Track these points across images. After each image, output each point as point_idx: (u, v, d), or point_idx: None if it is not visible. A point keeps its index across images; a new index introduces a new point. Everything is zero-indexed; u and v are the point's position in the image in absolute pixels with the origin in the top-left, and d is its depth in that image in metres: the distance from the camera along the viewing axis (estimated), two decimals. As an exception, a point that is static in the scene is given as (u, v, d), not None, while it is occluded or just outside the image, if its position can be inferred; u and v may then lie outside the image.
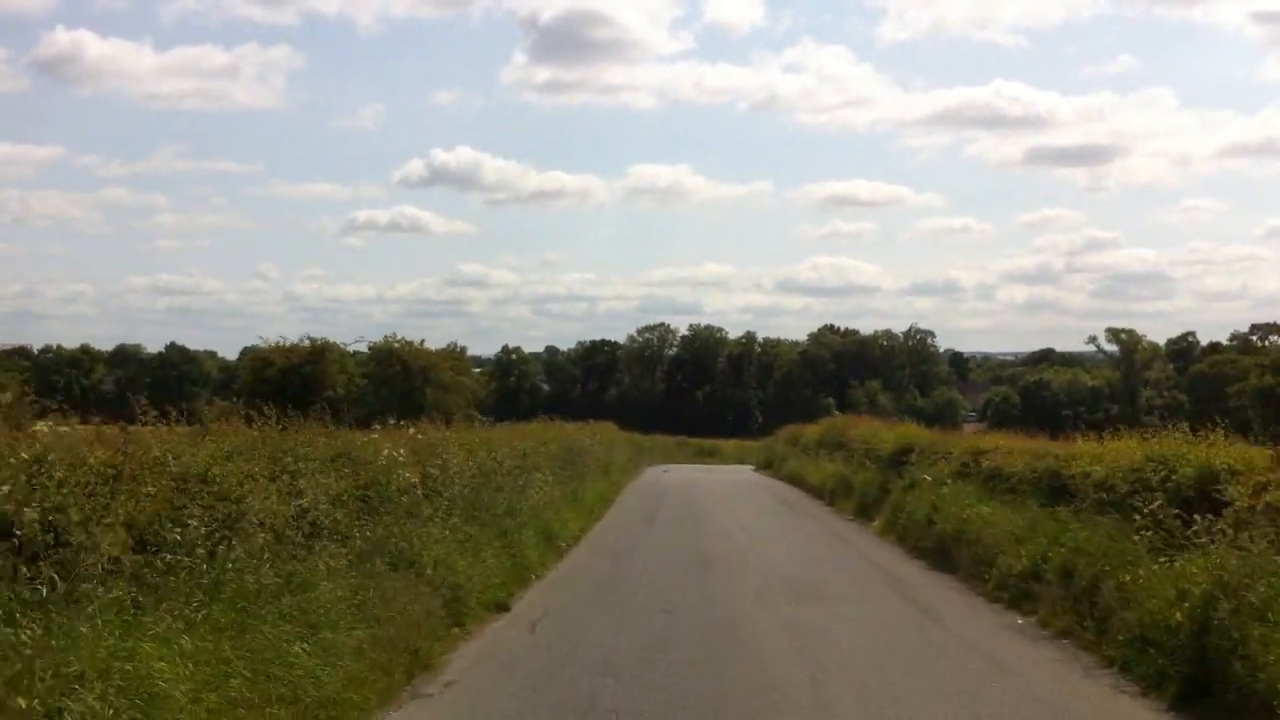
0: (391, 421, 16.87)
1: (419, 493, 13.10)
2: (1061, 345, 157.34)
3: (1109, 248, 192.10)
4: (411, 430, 15.01)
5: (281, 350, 47.63)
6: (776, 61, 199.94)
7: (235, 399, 38.77)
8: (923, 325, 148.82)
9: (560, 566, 17.24)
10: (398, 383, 47.96)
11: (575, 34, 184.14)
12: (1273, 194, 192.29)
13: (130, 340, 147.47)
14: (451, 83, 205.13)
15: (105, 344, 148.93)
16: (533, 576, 15.85)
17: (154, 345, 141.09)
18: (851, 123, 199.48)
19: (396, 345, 47.56)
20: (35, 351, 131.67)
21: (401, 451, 12.92)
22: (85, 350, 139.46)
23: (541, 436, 24.76)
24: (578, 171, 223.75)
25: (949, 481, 19.42)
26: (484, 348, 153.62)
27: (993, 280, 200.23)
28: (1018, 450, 17.86)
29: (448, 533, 12.91)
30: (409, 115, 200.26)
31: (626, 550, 19.19)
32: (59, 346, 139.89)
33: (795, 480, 35.09)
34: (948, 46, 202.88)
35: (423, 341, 47.85)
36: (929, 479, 21.05)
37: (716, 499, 30.03)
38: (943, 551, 17.71)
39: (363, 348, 47.86)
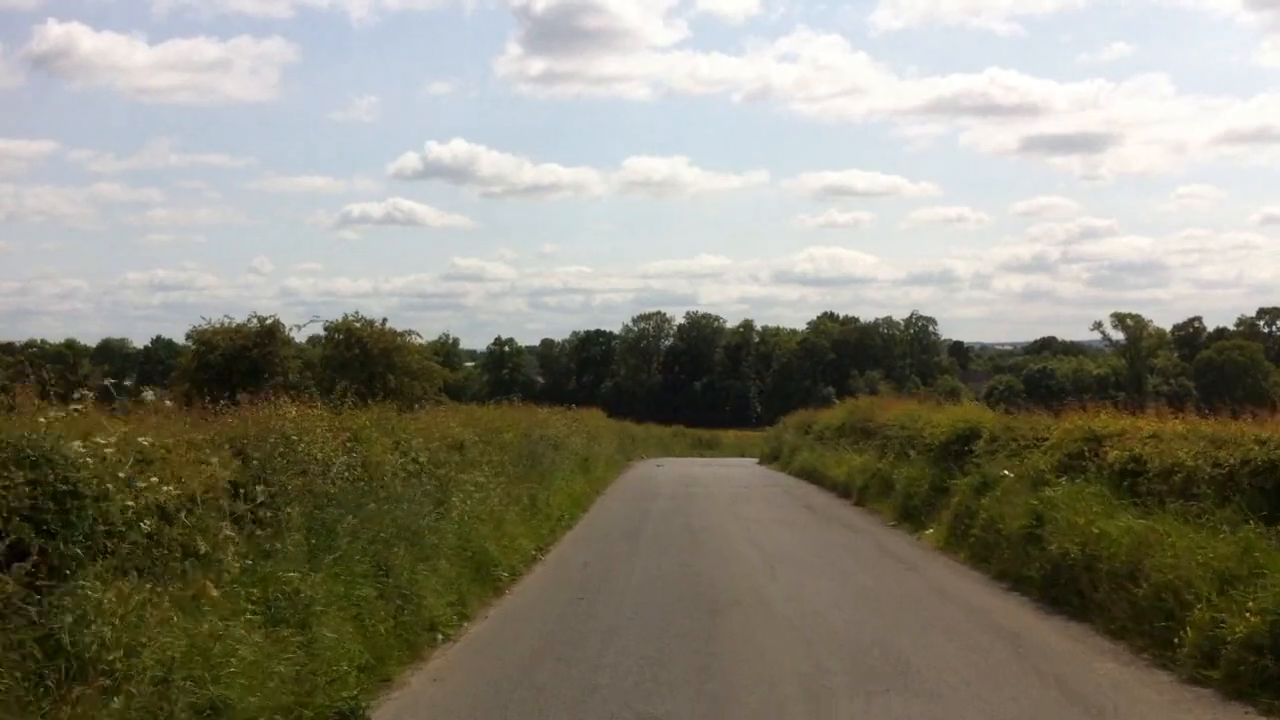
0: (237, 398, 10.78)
1: (191, 517, 6.95)
2: (1058, 334, 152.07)
3: (1104, 236, 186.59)
4: (168, 402, 8.76)
5: (226, 331, 40.56)
6: (771, 51, 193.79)
7: (180, 384, 32.72)
8: (923, 313, 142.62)
9: (489, 617, 11.09)
10: (356, 367, 41.29)
11: (568, 24, 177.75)
12: (1268, 181, 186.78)
13: (126, 336, 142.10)
14: (446, 74, 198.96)
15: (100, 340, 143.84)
16: (437, 639, 9.74)
17: (147, 341, 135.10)
18: (847, 112, 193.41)
19: (356, 325, 40.99)
20: (19, 346, 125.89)
21: (145, 441, 6.75)
22: (70, 345, 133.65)
23: (495, 423, 18.61)
24: (573, 164, 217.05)
25: (1056, 480, 13.28)
26: (480, 341, 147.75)
27: (989, 270, 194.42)
28: (1172, 434, 11.75)
29: (213, 595, 6.72)
30: (403, 107, 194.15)
31: (594, 584, 13.04)
32: (43, 341, 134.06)
33: (811, 475, 28.95)
34: (942, 34, 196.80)
35: (385, 321, 41.18)
36: (1010, 474, 14.99)
37: (719, 501, 23.91)
38: (1060, 583, 11.62)
39: (318, 328, 41.14)
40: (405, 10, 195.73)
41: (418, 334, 43.27)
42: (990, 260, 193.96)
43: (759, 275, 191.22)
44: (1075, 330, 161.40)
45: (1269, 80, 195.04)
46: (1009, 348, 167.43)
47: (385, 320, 42.63)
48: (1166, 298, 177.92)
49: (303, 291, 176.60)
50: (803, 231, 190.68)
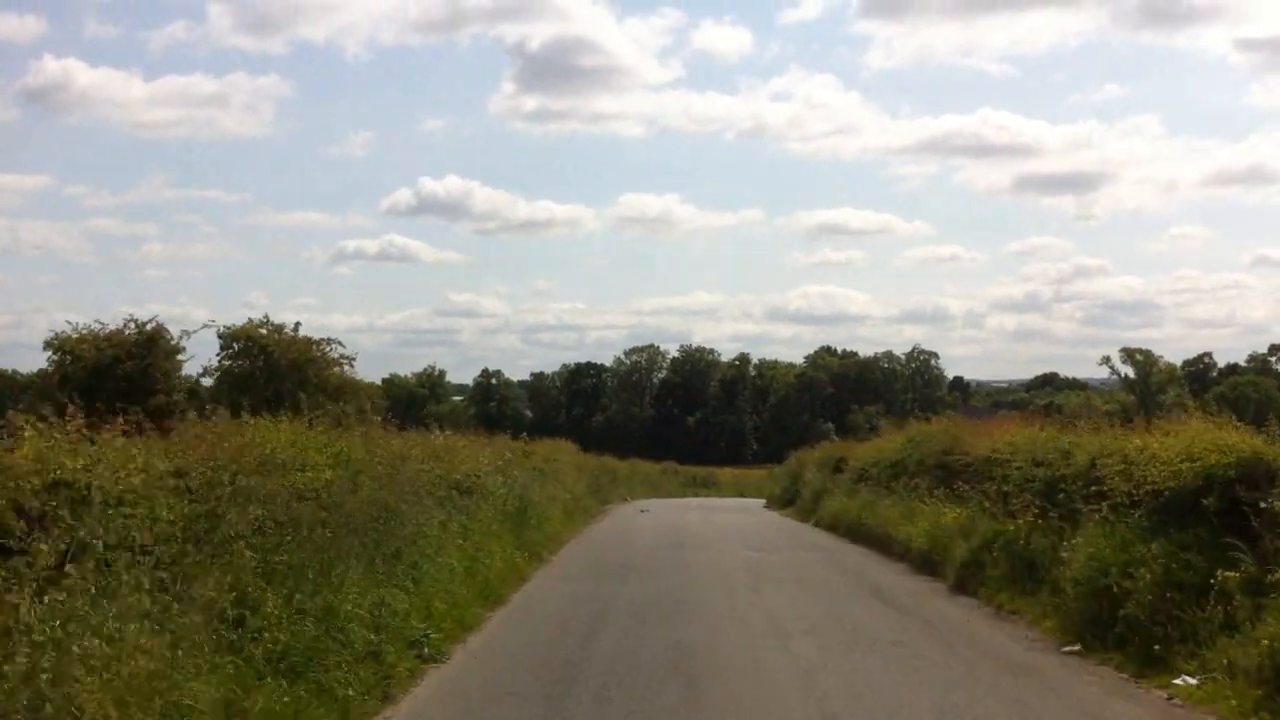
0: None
1: None
2: (1052, 373, 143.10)
3: (1097, 275, 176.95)
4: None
5: (93, 340, 29.64)
6: (764, 90, 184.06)
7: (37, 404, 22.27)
8: (925, 348, 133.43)
9: None
10: (260, 383, 30.79)
11: (563, 62, 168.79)
12: (1259, 221, 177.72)
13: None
14: (440, 111, 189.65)
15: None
16: None
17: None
18: (840, 150, 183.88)
19: (260, 332, 30.77)
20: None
21: None
22: (41, 375, 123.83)
23: (293, 453, 8.91)
24: (567, 200, 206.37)
25: None
26: (473, 376, 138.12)
27: (982, 308, 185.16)
28: None
29: None
30: (398, 143, 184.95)
31: None
32: (14, 371, 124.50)
33: (856, 532, 19.37)
34: (934, 74, 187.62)
35: (298, 326, 31.03)
36: None
37: (732, 576, 14.34)
38: None
39: (213, 335, 31.07)
40: (400, 47, 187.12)
41: (340, 343, 33.39)
42: (983, 299, 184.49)
43: (753, 312, 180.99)
44: (1069, 368, 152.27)
45: (1259, 121, 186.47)
46: (1004, 385, 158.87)
47: (298, 326, 32.75)
48: (1160, 337, 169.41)
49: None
50: (796, 269, 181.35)
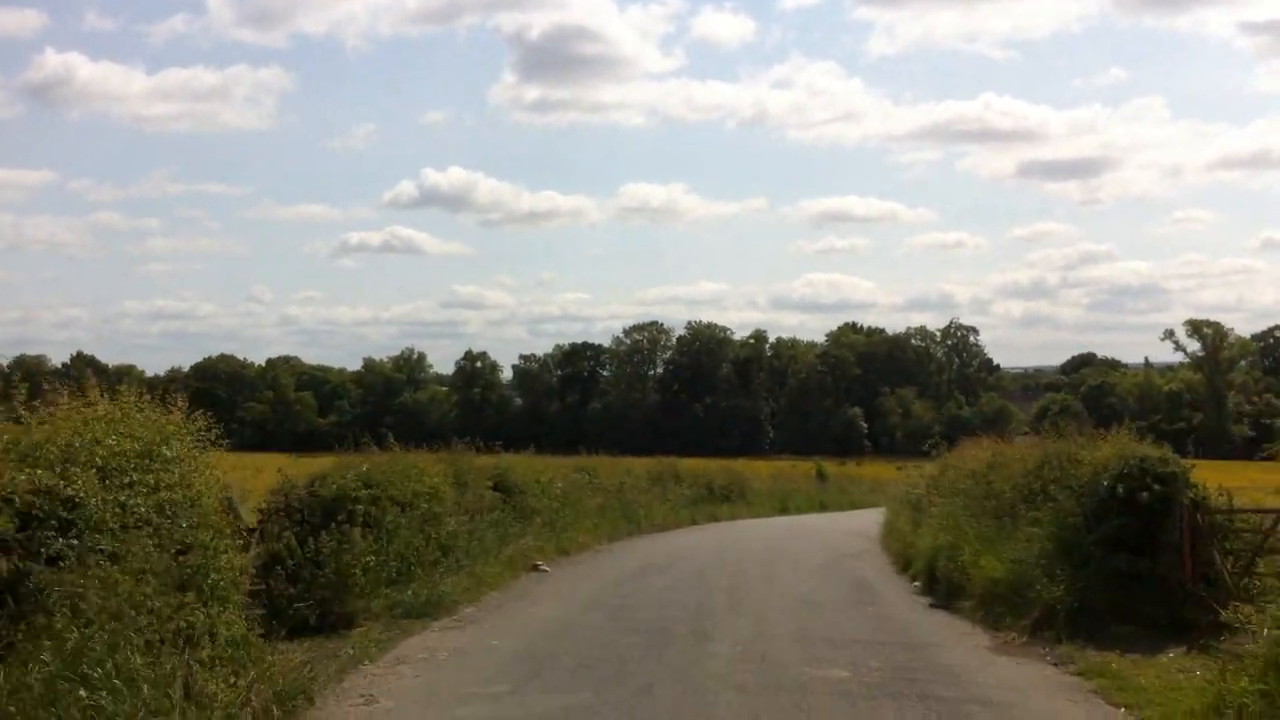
0: None
1: None
2: (1059, 359, 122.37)
3: (1103, 261, 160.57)
4: None
5: None
6: (766, 77, 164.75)
7: None
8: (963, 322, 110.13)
9: None
10: None
11: (563, 51, 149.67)
12: (1266, 205, 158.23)
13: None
14: (442, 102, 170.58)
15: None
16: None
17: (149, 371, 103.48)
18: (842, 138, 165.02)
19: None
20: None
21: None
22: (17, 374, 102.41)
23: None
24: (570, 191, 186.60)
25: None
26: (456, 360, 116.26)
27: (988, 295, 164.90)
28: None
29: None
30: (400, 135, 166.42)
31: None
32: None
33: None
34: (937, 60, 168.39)
35: None
36: None
37: None
38: None
39: None
40: (400, 38, 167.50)
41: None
42: (989, 285, 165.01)
43: (757, 301, 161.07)
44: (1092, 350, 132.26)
45: (1265, 106, 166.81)
46: (1020, 370, 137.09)
47: None
48: (1169, 321, 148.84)
49: (303, 319, 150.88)
50: (801, 257, 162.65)
